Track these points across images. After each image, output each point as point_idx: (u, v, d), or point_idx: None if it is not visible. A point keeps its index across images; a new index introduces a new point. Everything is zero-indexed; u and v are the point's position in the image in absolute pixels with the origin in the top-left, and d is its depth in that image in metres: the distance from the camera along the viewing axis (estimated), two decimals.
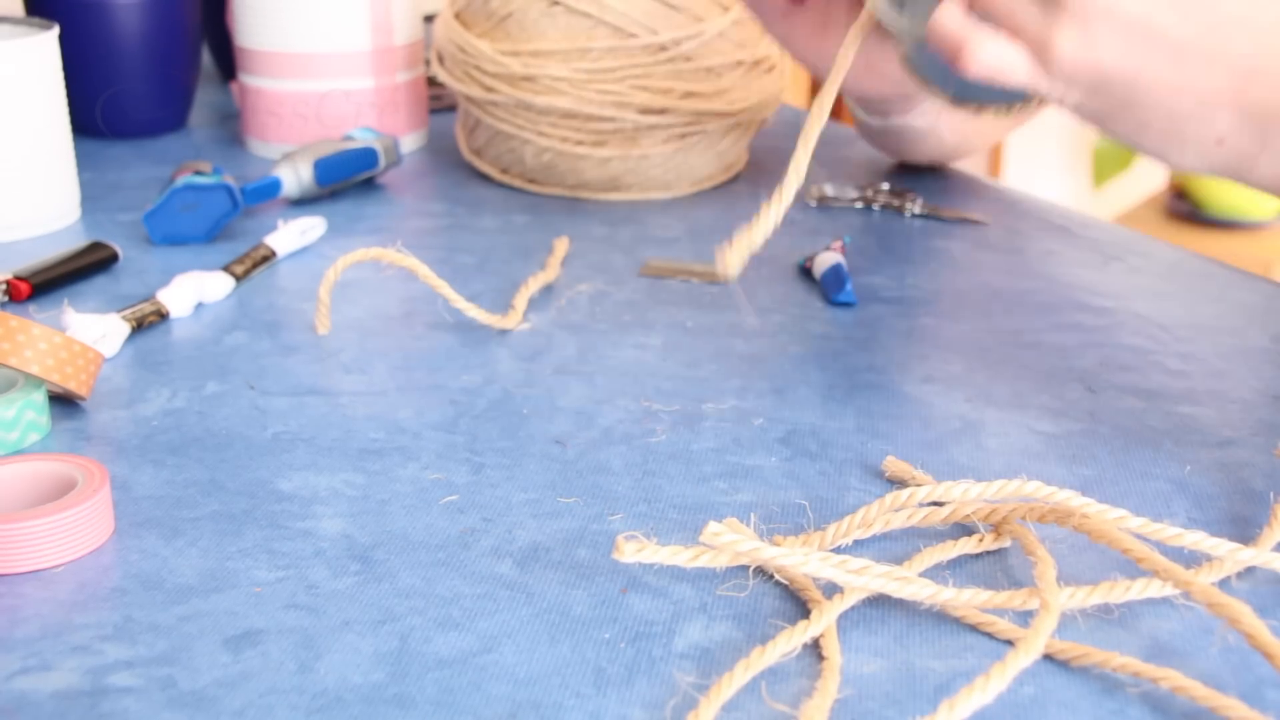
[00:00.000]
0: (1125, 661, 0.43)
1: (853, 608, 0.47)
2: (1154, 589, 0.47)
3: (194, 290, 0.75)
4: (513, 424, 0.61)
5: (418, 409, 0.63)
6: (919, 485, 0.55)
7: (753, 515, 0.53)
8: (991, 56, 0.51)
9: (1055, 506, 0.48)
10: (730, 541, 0.44)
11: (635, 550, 0.45)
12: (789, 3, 0.67)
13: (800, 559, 0.45)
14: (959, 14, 0.52)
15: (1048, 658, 0.44)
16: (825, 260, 0.78)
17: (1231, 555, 0.47)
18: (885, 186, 0.93)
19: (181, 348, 0.70)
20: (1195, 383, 0.65)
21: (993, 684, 0.41)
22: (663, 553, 0.46)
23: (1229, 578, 0.49)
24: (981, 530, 0.51)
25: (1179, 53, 0.48)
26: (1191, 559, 0.49)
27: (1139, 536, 0.48)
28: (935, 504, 0.51)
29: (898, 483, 0.56)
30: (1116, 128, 0.52)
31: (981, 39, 0.51)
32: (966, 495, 0.48)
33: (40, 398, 0.59)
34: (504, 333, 0.72)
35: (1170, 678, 0.42)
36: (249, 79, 1.05)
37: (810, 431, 0.60)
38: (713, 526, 0.44)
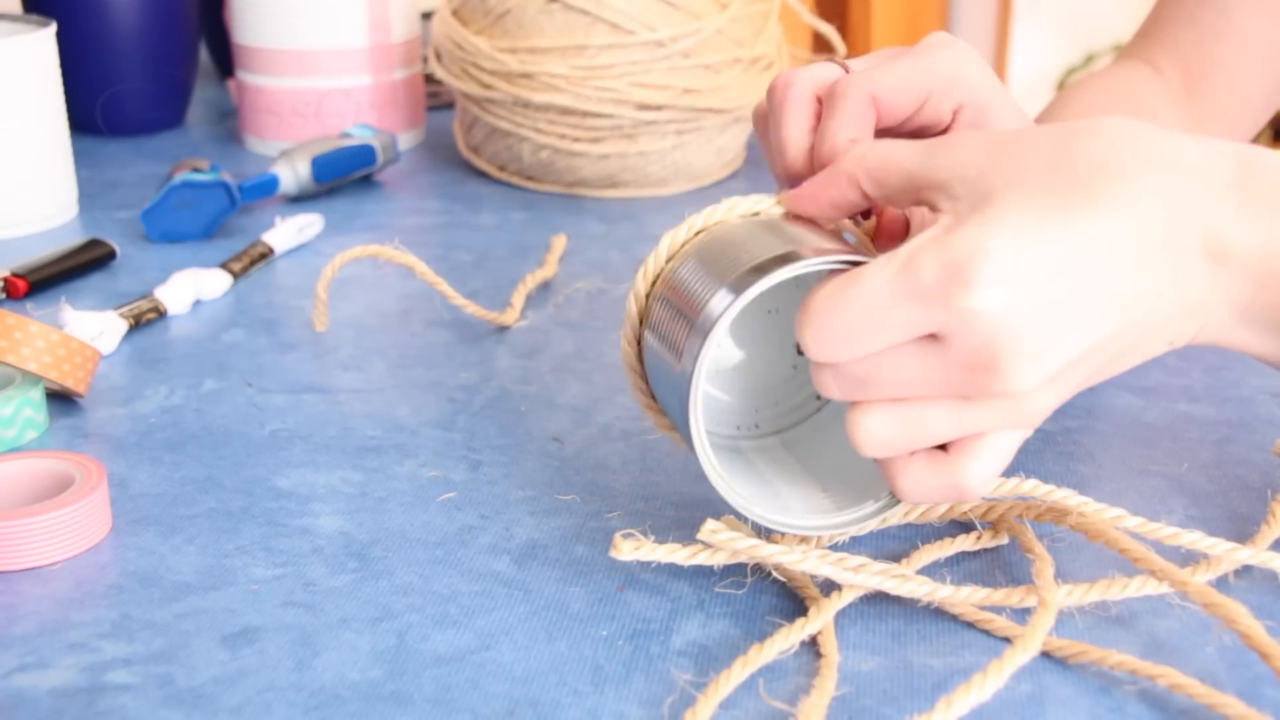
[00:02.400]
0: (1123, 659, 0.43)
1: (850, 605, 0.47)
2: (1151, 587, 0.47)
3: (192, 287, 0.75)
4: (510, 421, 0.61)
5: (415, 406, 0.63)
6: None
7: None
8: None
9: (1053, 505, 0.48)
10: (728, 539, 0.44)
11: (633, 548, 0.45)
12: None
13: (798, 556, 0.45)
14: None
15: (1045, 655, 0.44)
16: None
17: (1229, 555, 0.47)
18: None
19: (179, 345, 0.70)
20: (1193, 380, 0.65)
21: (990, 681, 0.41)
22: (660, 551, 0.46)
23: (1226, 576, 0.49)
24: (979, 527, 0.51)
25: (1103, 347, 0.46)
26: (1189, 557, 0.49)
27: (1136, 536, 0.48)
28: None
29: None
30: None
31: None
32: None
33: (38, 395, 0.59)
34: (502, 330, 0.72)
35: (1167, 675, 0.42)
36: (247, 76, 1.05)
37: None
38: (711, 524, 0.44)
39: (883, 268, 0.43)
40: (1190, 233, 0.45)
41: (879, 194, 0.48)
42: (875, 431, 0.45)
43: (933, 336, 0.43)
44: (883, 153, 0.48)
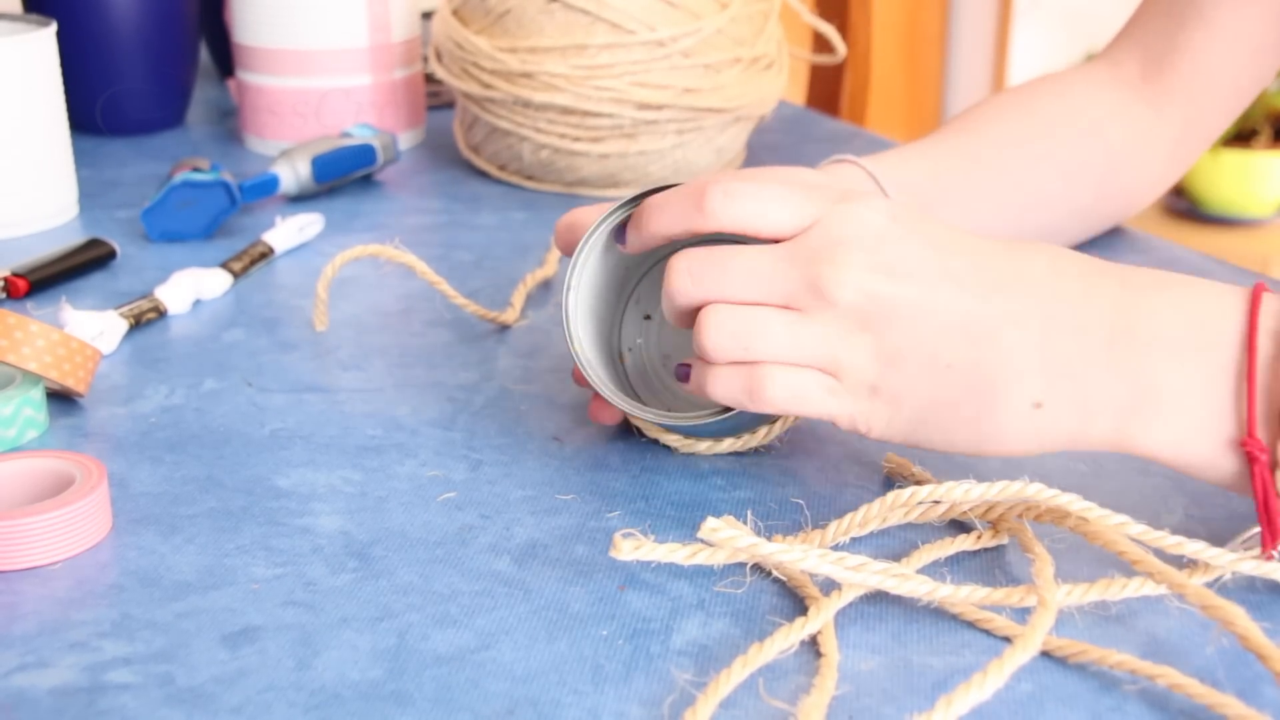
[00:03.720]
0: (1122, 659, 0.43)
1: (850, 604, 0.47)
2: (1149, 587, 0.47)
3: (192, 287, 0.75)
4: (510, 421, 0.61)
5: (415, 406, 0.63)
6: (918, 481, 0.55)
7: (748, 513, 0.53)
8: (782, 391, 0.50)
9: (1053, 507, 0.48)
10: (728, 538, 0.44)
11: (633, 548, 0.45)
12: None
13: (798, 555, 0.45)
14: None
15: (1045, 655, 0.45)
16: None
17: (1231, 566, 0.46)
18: None
19: (179, 345, 0.70)
20: None
21: (990, 681, 0.41)
22: (660, 550, 0.46)
23: (1222, 576, 0.49)
24: (979, 527, 0.51)
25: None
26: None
27: (1136, 541, 0.48)
28: (935, 503, 0.51)
29: (896, 479, 0.56)
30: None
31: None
32: (968, 496, 0.48)
33: (38, 394, 0.59)
34: (502, 329, 0.72)
35: (1167, 675, 0.42)
36: (247, 76, 1.05)
37: (808, 429, 0.60)
38: (711, 522, 0.44)
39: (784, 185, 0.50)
40: (1066, 286, 0.48)
41: None
42: (723, 326, 0.49)
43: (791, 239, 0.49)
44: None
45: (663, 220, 0.51)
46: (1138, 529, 0.46)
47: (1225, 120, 0.78)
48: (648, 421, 0.57)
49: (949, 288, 0.48)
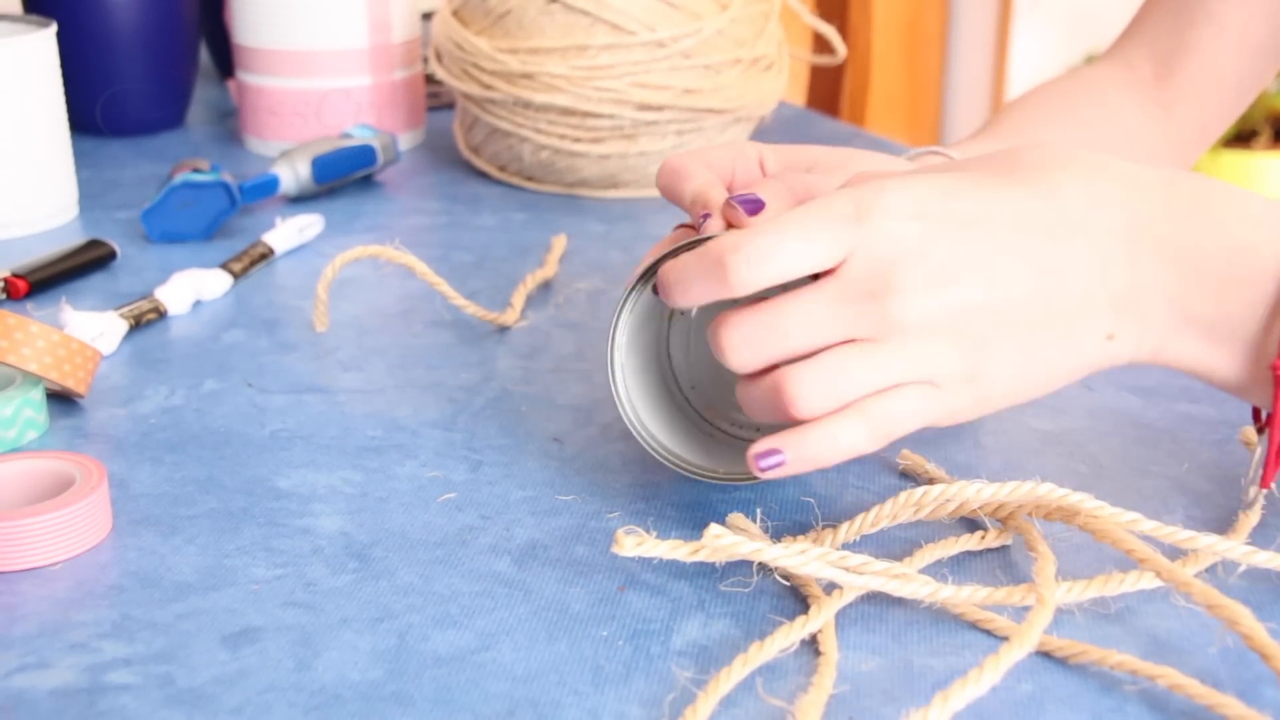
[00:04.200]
0: (1123, 659, 0.43)
1: (851, 604, 0.47)
2: (1147, 581, 0.47)
3: (192, 288, 0.75)
4: (511, 421, 0.61)
5: (416, 406, 0.63)
6: (932, 480, 0.55)
7: (758, 510, 0.53)
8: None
9: (1062, 504, 0.48)
10: (729, 544, 0.44)
11: (635, 545, 0.45)
12: None
13: (800, 559, 0.44)
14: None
15: (1046, 655, 0.44)
16: None
17: (1247, 558, 0.46)
18: None
19: (179, 345, 0.70)
20: (1194, 380, 0.65)
21: (986, 676, 0.41)
22: (662, 547, 0.45)
23: (1226, 577, 0.49)
24: (988, 525, 0.51)
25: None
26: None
27: (1145, 538, 0.48)
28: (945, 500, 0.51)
29: (910, 476, 0.56)
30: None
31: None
32: (979, 495, 0.48)
33: (38, 395, 0.59)
34: (502, 330, 0.72)
35: (1168, 675, 0.42)
36: (247, 77, 1.05)
37: None
38: (714, 529, 0.44)
39: (800, 207, 0.47)
40: (1110, 219, 0.47)
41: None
42: (812, 390, 0.46)
43: (831, 272, 0.47)
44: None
45: (688, 294, 0.48)
46: (1149, 525, 0.46)
47: (1227, 121, 0.78)
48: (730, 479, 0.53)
49: (1004, 264, 0.47)
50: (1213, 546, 0.46)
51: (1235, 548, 0.46)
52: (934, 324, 0.46)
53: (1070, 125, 0.76)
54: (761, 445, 0.47)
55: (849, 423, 0.47)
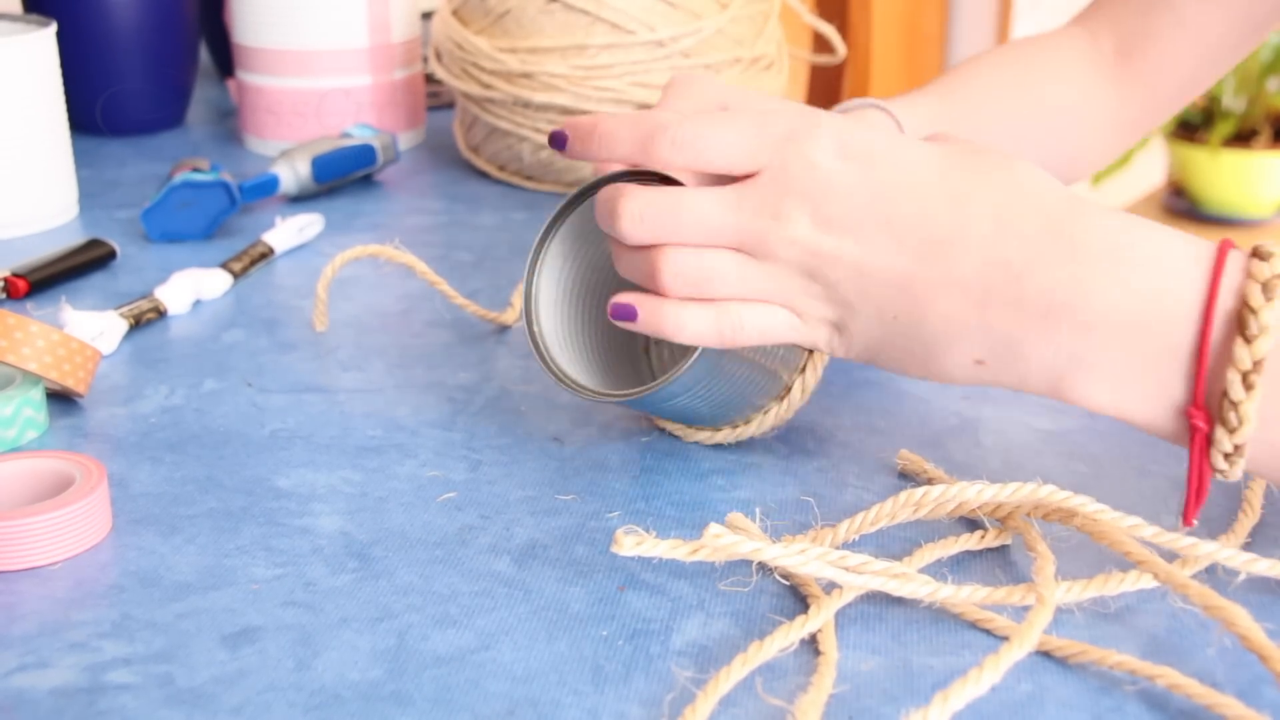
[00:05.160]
0: (1122, 659, 0.43)
1: (851, 604, 0.47)
2: (1146, 580, 0.47)
3: (192, 287, 0.75)
4: (510, 421, 0.61)
5: (415, 406, 0.63)
6: (931, 480, 0.55)
7: (757, 510, 0.53)
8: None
9: (1063, 507, 0.48)
10: (728, 544, 0.44)
11: (634, 544, 0.45)
12: None
13: (800, 558, 0.45)
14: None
15: (1046, 655, 0.45)
16: None
17: (1247, 566, 0.46)
18: None
19: (179, 345, 0.70)
20: None
21: (986, 676, 0.41)
22: (661, 546, 0.45)
23: (1227, 580, 0.49)
24: (988, 525, 0.51)
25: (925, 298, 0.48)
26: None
27: (1145, 543, 0.48)
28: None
29: (909, 476, 0.56)
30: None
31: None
32: (979, 496, 0.48)
33: (38, 395, 0.59)
34: (502, 330, 0.72)
35: (1167, 675, 0.42)
36: (247, 76, 1.05)
37: (807, 428, 0.60)
38: (714, 528, 0.44)
39: (747, 112, 0.50)
40: (1009, 254, 0.47)
41: None
42: (680, 271, 0.50)
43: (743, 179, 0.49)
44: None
45: (608, 147, 0.51)
46: (1149, 531, 0.46)
47: (1173, 111, 0.80)
48: (600, 398, 0.55)
49: (888, 245, 0.48)
50: (1213, 554, 0.46)
51: (1235, 555, 0.46)
52: (803, 264, 0.49)
53: (1023, 100, 0.78)
54: (623, 298, 0.51)
55: (702, 312, 0.50)
